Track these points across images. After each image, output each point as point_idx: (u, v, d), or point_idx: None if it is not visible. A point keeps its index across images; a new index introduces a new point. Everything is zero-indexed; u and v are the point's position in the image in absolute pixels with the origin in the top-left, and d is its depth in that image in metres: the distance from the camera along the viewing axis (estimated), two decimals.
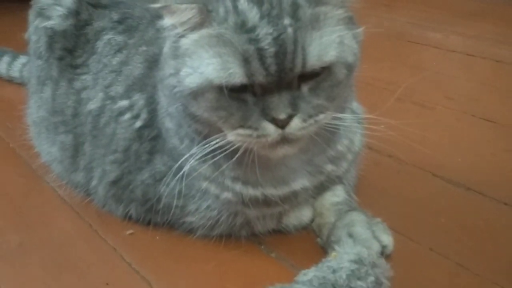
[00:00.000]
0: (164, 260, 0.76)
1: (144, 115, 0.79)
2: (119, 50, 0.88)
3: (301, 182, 0.75)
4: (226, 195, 0.74)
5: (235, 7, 0.60)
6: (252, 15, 0.59)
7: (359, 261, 0.64)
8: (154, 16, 0.86)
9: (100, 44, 0.90)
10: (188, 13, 0.62)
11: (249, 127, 0.62)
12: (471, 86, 1.26)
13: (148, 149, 0.79)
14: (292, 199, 0.76)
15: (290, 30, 0.59)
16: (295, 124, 0.61)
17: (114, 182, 0.82)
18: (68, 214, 0.88)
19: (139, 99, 0.80)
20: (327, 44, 0.61)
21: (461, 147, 1.00)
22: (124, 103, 0.81)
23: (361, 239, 0.70)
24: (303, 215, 0.79)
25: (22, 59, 1.38)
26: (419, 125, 1.08)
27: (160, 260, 0.76)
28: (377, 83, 1.21)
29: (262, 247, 0.76)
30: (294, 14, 0.59)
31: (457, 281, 0.69)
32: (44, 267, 0.77)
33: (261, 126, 0.61)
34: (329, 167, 0.77)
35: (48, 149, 0.94)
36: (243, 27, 0.59)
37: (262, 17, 0.59)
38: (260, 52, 0.58)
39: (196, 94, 0.62)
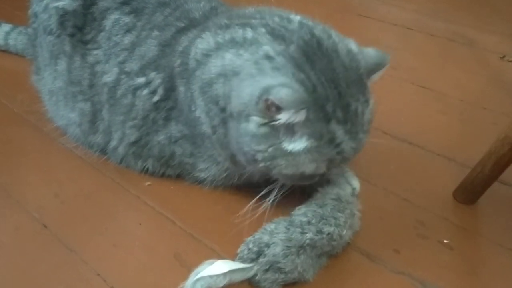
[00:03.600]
0: (181, 204, 0.95)
1: (161, 91, 0.93)
2: (128, 31, 0.99)
3: None
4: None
5: (328, 127, 0.75)
6: (340, 133, 0.75)
7: (338, 199, 0.86)
8: (159, 3, 1.01)
9: (107, 23, 1.02)
10: (296, 116, 0.73)
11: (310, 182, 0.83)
12: (410, 57, 1.48)
13: (164, 116, 0.94)
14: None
15: (363, 141, 0.80)
16: None
17: (134, 143, 0.98)
18: (90, 170, 1.02)
19: (155, 78, 0.93)
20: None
21: (404, 110, 1.23)
22: (141, 80, 0.94)
23: (337, 183, 0.92)
24: None
25: (5, 27, 1.46)
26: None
27: (178, 204, 0.95)
28: None
29: (259, 190, 0.96)
30: (364, 128, 0.79)
31: (402, 210, 0.94)
32: (81, 213, 0.92)
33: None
34: None
35: (66, 115, 1.06)
36: (331, 143, 0.75)
37: (345, 134, 0.76)
38: (343, 158, 0.78)
39: (286, 175, 0.79)
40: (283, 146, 0.76)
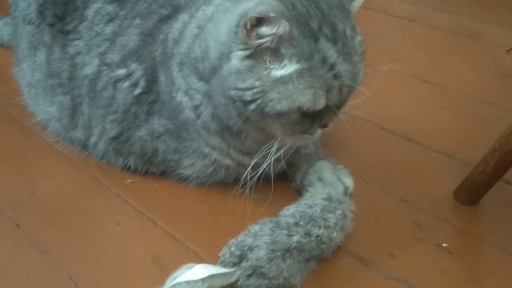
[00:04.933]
0: (163, 203, 0.90)
1: (142, 84, 0.88)
2: (110, 20, 0.95)
3: (285, 151, 0.86)
4: (228, 161, 0.86)
5: (317, 46, 0.68)
6: (331, 53, 0.69)
7: (329, 199, 0.80)
8: None
9: (89, 12, 0.97)
10: (278, 29, 0.66)
11: (309, 133, 0.76)
12: (411, 49, 1.42)
13: (146, 110, 0.89)
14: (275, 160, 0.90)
15: (358, 65, 0.72)
16: (331, 125, 0.78)
17: (115, 138, 0.93)
18: (70, 166, 0.97)
19: (136, 69, 0.88)
20: (363, 70, 0.75)
21: (404, 105, 1.17)
22: (121, 71, 0.90)
23: (329, 182, 0.87)
24: (280, 165, 0.94)
25: None
26: (367, 85, 1.25)
27: (161, 203, 0.90)
28: None
29: (247, 190, 0.91)
30: (356, 50, 0.72)
31: (399, 211, 0.88)
32: (58, 212, 0.87)
33: (315, 131, 0.77)
34: None
35: (46, 109, 1.01)
36: (324, 64, 0.68)
37: (338, 55, 0.69)
38: (341, 85, 0.71)
39: (281, 114, 0.71)
40: (272, 75, 0.69)
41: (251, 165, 0.80)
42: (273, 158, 0.77)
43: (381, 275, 0.77)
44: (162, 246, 0.81)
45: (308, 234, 0.74)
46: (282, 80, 0.69)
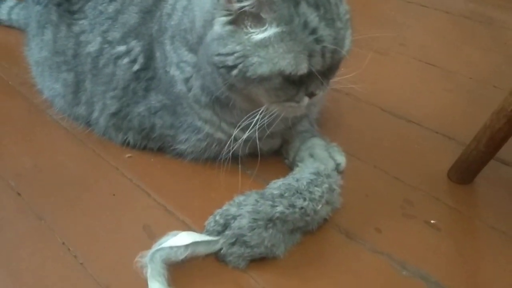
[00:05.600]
0: (159, 177, 0.92)
1: (141, 60, 0.90)
2: None
3: (278, 126, 0.88)
4: (220, 135, 0.87)
5: (297, 10, 0.69)
6: (312, 17, 0.69)
7: (317, 173, 0.80)
8: None
9: None
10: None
11: (294, 101, 0.77)
12: (422, 34, 1.41)
13: (144, 86, 0.92)
14: (267, 137, 0.90)
15: (342, 32, 0.72)
16: (320, 95, 0.78)
17: (114, 114, 0.95)
18: (73, 141, 1.01)
19: (135, 46, 0.91)
20: (349, 38, 0.75)
21: (407, 87, 1.16)
22: (121, 48, 0.92)
23: (320, 158, 0.88)
24: (275, 142, 0.94)
25: (10, 2, 1.46)
26: (374, 69, 1.24)
27: (156, 177, 0.92)
28: None
29: (240, 166, 0.90)
30: (340, 16, 0.72)
31: (391, 188, 0.88)
32: (57, 182, 0.91)
33: (302, 100, 0.77)
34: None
35: (51, 86, 1.05)
36: (305, 28, 0.69)
37: (320, 20, 0.70)
38: (323, 50, 0.71)
39: (263, 78, 0.72)
40: (252, 39, 0.70)
41: (241, 139, 0.81)
42: (257, 126, 0.78)
43: (365, 248, 0.77)
44: (153, 216, 0.83)
45: (292, 205, 0.75)
46: (262, 44, 0.70)
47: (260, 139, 0.88)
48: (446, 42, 1.37)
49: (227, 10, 0.71)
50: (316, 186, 0.78)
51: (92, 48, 0.97)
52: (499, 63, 1.25)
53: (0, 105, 1.14)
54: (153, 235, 0.79)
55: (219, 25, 0.72)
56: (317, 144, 0.90)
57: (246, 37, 0.71)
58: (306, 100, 0.77)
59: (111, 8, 0.97)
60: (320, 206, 0.76)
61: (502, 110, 0.77)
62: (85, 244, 0.78)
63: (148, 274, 0.68)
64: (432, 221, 0.81)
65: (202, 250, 0.73)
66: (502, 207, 0.83)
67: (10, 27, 1.45)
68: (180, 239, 0.72)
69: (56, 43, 1.03)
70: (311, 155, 0.88)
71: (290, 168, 0.92)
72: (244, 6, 0.69)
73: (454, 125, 1.02)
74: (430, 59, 1.27)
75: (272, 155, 0.95)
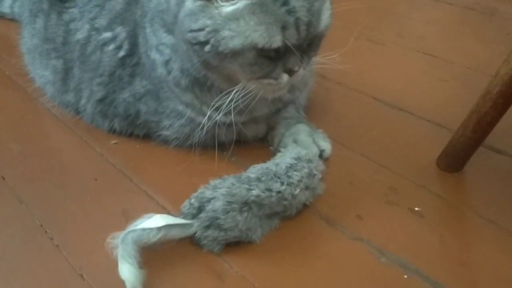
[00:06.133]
0: (143, 163, 0.91)
1: (126, 46, 0.90)
2: None
3: (262, 111, 0.88)
4: (201, 119, 0.85)
5: None
6: None
7: (297, 158, 0.79)
8: None
9: None
10: None
11: (271, 77, 0.75)
12: (421, 26, 1.38)
13: (129, 73, 0.91)
14: (252, 122, 0.90)
15: (317, 3, 0.71)
16: (301, 72, 0.76)
17: (101, 100, 0.95)
18: (61, 128, 1.01)
19: (121, 32, 0.91)
20: (327, 13, 0.74)
21: (402, 77, 1.14)
22: (107, 34, 0.92)
23: (303, 144, 0.86)
24: (260, 128, 0.93)
25: None
26: (369, 59, 1.23)
27: (140, 163, 0.91)
28: (338, 22, 1.33)
29: (225, 153, 0.90)
30: None
31: (376, 176, 0.85)
32: (42, 168, 0.91)
33: (280, 76, 0.75)
34: (287, 96, 0.90)
35: (41, 73, 1.06)
36: (276, 0, 0.67)
37: None
38: (297, 21, 0.69)
39: (236, 52, 0.71)
40: (222, 12, 0.69)
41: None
42: (232, 105, 0.77)
43: (344, 235, 0.75)
44: (133, 201, 0.83)
45: (268, 189, 0.73)
46: (233, 17, 0.69)
47: (243, 123, 0.87)
48: (447, 33, 1.34)
49: None
50: (295, 170, 0.77)
51: (80, 35, 0.97)
52: (499, 53, 1.21)
53: None
54: (131, 220, 0.78)
55: (190, 1, 0.71)
56: (302, 130, 0.89)
57: (217, 11, 0.70)
58: (285, 77, 0.75)
59: None
60: (298, 190, 0.75)
61: (488, 93, 0.74)
62: (62, 228, 0.78)
63: (119, 255, 0.68)
64: (416, 209, 0.78)
65: (176, 233, 0.72)
66: (491, 195, 0.81)
67: (12, 20, 1.47)
68: (154, 222, 0.71)
69: (46, 30, 1.03)
70: (295, 141, 0.87)
71: (274, 154, 0.90)
72: None
73: (448, 114, 0.99)
74: (429, 49, 1.24)
75: (258, 142, 0.94)
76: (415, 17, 1.43)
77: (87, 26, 0.97)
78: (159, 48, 0.84)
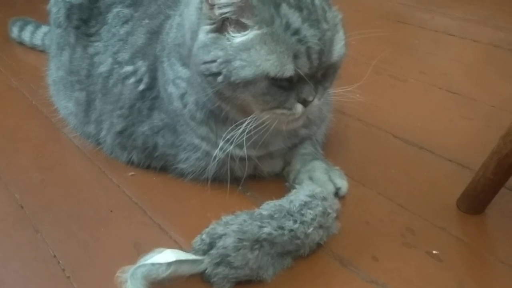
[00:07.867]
0: (158, 196, 0.92)
1: (146, 80, 0.92)
2: (126, 22, 1.01)
3: (278, 145, 0.88)
4: (216, 152, 0.86)
5: (278, 11, 0.69)
6: (295, 18, 0.69)
7: (312, 196, 0.78)
8: None
9: (110, 16, 1.04)
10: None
11: (285, 108, 0.75)
12: (444, 62, 1.37)
13: (148, 106, 0.93)
14: (268, 157, 0.90)
15: (328, 33, 0.72)
16: (315, 103, 0.76)
17: (120, 133, 0.97)
18: (81, 159, 1.03)
19: (141, 66, 0.93)
20: (341, 43, 0.75)
21: (423, 114, 1.12)
22: (129, 68, 0.94)
23: (319, 181, 0.85)
24: (276, 164, 0.92)
25: (44, 29, 1.53)
26: (390, 95, 1.22)
27: (155, 196, 0.91)
28: (360, 57, 1.33)
29: (240, 188, 0.90)
30: (326, 19, 0.72)
31: (394, 216, 0.83)
32: (60, 198, 0.92)
33: (294, 107, 0.75)
34: (303, 131, 0.90)
35: (65, 104, 1.09)
36: (287, 29, 0.69)
37: (304, 21, 0.69)
38: (308, 50, 0.70)
39: (248, 82, 0.71)
40: (233, 43, 0.71)
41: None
42: (244, 136, 0.77)
43: (358, 277, 0.73)
44: (146, 234, 0.83)
45: (281, 227, 0.72)
46: (244, 47, 0.70)
47: (259, 158, 0.87)
48: (470, 71, 1.32)
49: (210, 19, 0.72)
50: (309, 208, 0.75)
51: (103, 68, 1.00)
52: None
53: (21, 123, 1.18)
54: (143, 252, 0.78)
55: (203, 34, 0.73)
56: (318, 167, 0.88)
57: (229, 42, 0.71)
58: (299, 107, 0.75)
59: (122, 31, 1.00)
60: (311, 229, 0.73)
61: (508, 134, 0.72)
62: (75, 259, 0.78)
63: None
64: (434, 252, 0.76)
65: (186, 269, 0.71)
66: None
67: (43, 51, 1.53)
68: (164, 257, 0.70)
69: (72, 63, 1.06)
70: (310, 178, 0.86)
71: (290, 191, 0.89)
72: (225, 13, 0.70)
73: (470, 154, 0.97)
74: (452, 87, 1.22)
75: (274, 178, 0.93)
76: (439, 54, 1.42)
77: (110, 60, 0.99)
78: (176, 81, 0.85)
